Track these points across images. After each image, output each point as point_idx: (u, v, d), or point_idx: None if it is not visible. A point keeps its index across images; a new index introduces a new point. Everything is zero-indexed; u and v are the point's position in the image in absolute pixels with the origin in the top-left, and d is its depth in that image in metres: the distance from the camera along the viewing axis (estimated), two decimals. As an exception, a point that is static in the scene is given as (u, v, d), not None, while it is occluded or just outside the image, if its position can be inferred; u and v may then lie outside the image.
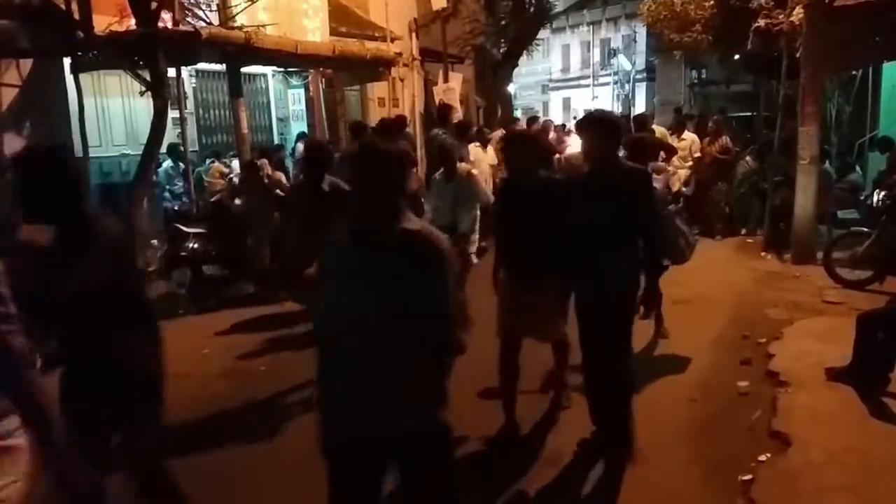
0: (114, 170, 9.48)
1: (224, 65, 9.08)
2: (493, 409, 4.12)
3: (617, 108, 31.17)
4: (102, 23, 7.67)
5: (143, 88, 8.05)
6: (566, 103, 39.98)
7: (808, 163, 8.18)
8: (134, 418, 2.56)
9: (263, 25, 8.96)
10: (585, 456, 3.76)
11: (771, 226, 9.14)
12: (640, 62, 34.52)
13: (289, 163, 10.40)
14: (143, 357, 2.55)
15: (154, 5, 7.65)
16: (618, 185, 3.58)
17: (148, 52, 7.69)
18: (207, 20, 8.86)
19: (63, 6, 7.04)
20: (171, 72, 8.31)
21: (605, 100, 36.13)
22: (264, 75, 12.29)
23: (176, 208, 9.29)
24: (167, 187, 9.77)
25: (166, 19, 7.97)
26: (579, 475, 3.65)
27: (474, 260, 5.46)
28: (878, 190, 8.88)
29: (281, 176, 8.40)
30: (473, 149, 8.75)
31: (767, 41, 9.52)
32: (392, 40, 12.75)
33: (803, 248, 8.18)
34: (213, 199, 9.21)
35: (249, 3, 8.89)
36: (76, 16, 7.17)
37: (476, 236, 5.52)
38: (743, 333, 5.77)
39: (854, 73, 11.83)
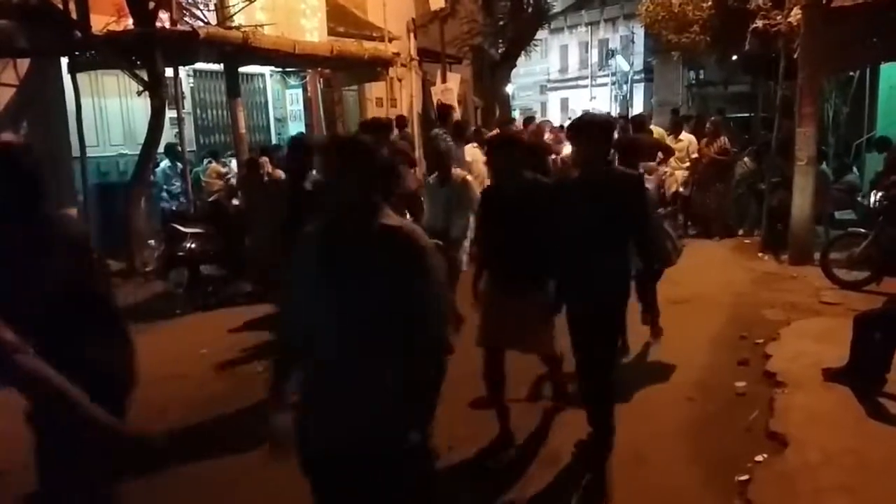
0: (111, 170, 9.47)
1: (222, 65, 9.07)
2: (485, 419, 4.05)
3: (615, 109, 31.21)
4: (100, 22, 7.67)
5: (141, 88, 8.05)
6: (564, 104, 40.01)
7: (805, 163, 8.19)
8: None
9: (261, 25, 8.96)
10: (583, 457, 3.76)
11: (768, 226, 9.16)
12: (639, 63, 34.57)
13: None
14: (107, 365, 2.36)
15: (151, 5, 7.65)
16: (609, 190, 3.47)
17: (145, 52, 7.69)
18: (205, 20, 8.86)
19: (60, 6, 7.03)
20: (169, 72, 8.31)
21: (603, 100, 36.20)
22: (262, 75, 12.28)
23: (173, 208, 9.28)
24: (165, 187, 9.76)
25: (164, 19, 7.97)
26: (577, 476, 3.64)
27: (464, 267, 5.29)
28: (875, 191, 8.90)
29: (281, 174, 8.39)
30: (471, 149, 8.74)
31: (765, 42, 9.54)
32: (390, 40, 12.75)
33: (800, 248, 8.19)
34: (210, 199, 9.21)
35: (247, 2, 8.90)
36: (74, 15, 7.16)
37: (468, 243, 5.34)
38: (740, 334, 5.77)
39: (851, 74, 11.85)
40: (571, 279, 3.62)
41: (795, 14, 8.37)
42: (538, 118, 16.78)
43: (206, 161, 10.39)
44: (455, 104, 13.37)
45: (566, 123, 18.21)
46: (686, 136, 10.53)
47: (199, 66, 9.91)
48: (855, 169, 11.42)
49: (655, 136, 10.00)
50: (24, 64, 7.65)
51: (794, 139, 8.30)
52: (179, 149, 9.22)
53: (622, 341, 5.20)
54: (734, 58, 14.64)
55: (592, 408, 3.70)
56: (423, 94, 15.21)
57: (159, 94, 7.95)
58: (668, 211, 6.04)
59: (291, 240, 2.39)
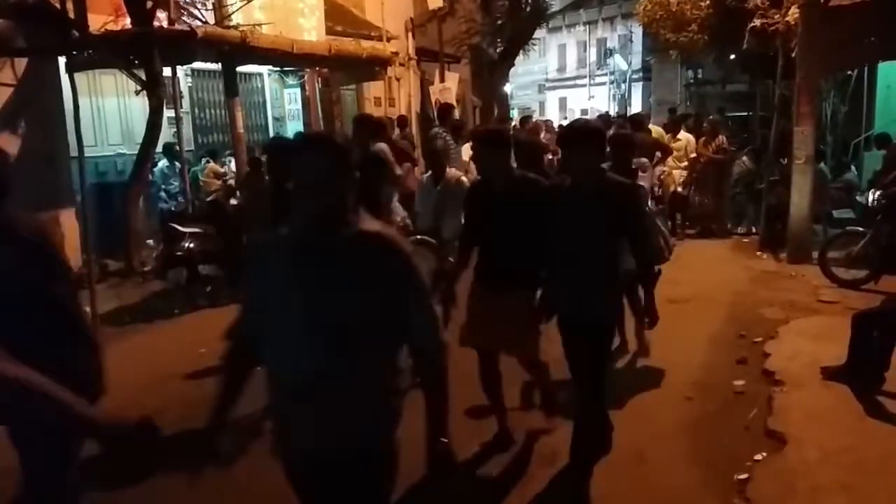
0: (109, 169, 9.45)
1: (220, 64, 9.06)
2: (480, 427, 4.02)
3: (613, 108, 31.22)
4: (98, 22, 7.65)
5: (139, 88, 8.04)
6: (562, 103, 40.03)
7: (803, 162, 8.21)
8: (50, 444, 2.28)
9: (259, 24, 8.95)
10: (573, 459, 3.73)
11: (767, 225, 9.18)
12: (637, 62, 34.59)
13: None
14: (70, 373, 2.09)
15: (149, 4, 7.64)
16: (602, 200, 3.34)
17: (143, 52, 7.68)
18: (203, 19, 8.86)
19: (58, 5, 7.00)
20: (167, 71, 8.30)
21: (601, 99, 36.23)
22: (260, 75, 12.27)
23: (172, 208, 9.28)
24: (163, 187, 9.75)
25: (162, 18, 7.96)
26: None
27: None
28: (873, 189, 8.91)
29: None
30: (468, 148, 8.75)
31: (763, 41, 9.53)
32: (388, 40, 12.75)
33: (799, 247, 8.20)
34: (209, 199, 9.20)
35: (245, 2, 8.89)
36: (71, 15, 7.13)
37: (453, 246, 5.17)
38: (739, 332, 5.78)
39: (849, 72, 11.86)
40: (562, 288, 3.52)
41: (793, 13, 8.38)
42: (536, 117, 16.81)
43: (204, 160, 10.39)
44: (453, 103, 13.37)
45: (565, 122, 18.27)
46: (684, 136, 10.54)
47: (197, 65, 9.89)
48: (853, 167, 11.45)
49: (654, 135, 10.01)
50: (21, 63, 7.63)
51: (793, 138, 8.31)
52: (177, 148, 9.21)
53: (621, 340, 5.21)
54: (732, 57, 14.65)
55: (584, 410, 3.58)
56: (422, 93, 15.21)
57: (157, 93, 7.94)
58: (658, 209, 5.98)
59: None
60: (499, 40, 18.12)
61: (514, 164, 4.13)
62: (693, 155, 10.22)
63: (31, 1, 7.22)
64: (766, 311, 6.38)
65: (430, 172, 5.59)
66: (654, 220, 5.06)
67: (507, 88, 21.54)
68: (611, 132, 10.53)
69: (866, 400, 4.26)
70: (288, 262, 1.93)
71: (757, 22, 9.13)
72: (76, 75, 6.73)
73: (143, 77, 7.89)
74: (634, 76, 34.82)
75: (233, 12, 8.83)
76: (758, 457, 3.73)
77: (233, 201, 8.60)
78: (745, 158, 10.84)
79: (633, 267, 3.64)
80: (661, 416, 4.31)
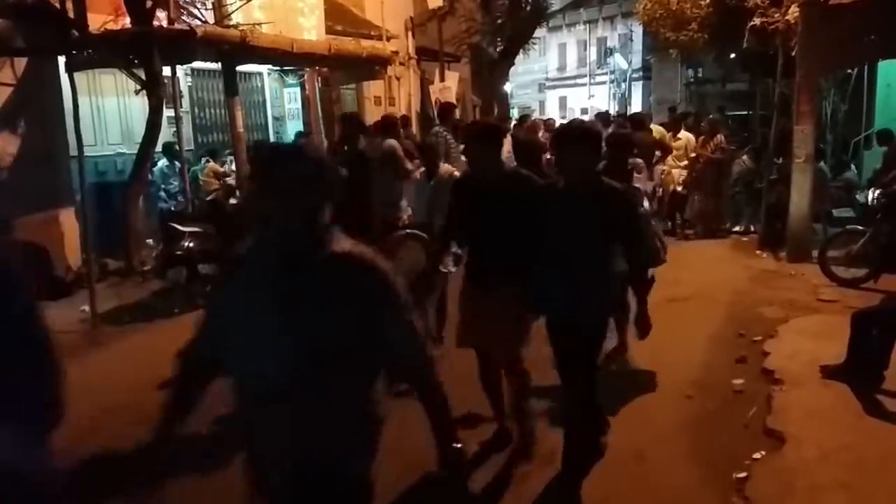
0: (109, 169, 9.45)
1: (219, 63, 9.05)
2: (470, 436, 3.84)
3: (613, 107, 31.20)
4: (97, 21, 7.65)
5: (139, 87, 8.03)
6: (563, 102, 40.02)
7: (803, 161, 8.20)
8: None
9: (259, 24, 8.94)
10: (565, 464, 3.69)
11: (766, 224, 9.17)
12: (637, 61, 34.57)
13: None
14: (26, 399, 1.95)
15: (149, 4, 7.64)
16: (596, 205, 3.27)
17: (143, 51, 7.67)
18: (203, 18, 8.86)
19: (57, 5, 7.01)
20: (167, 70, 8.30)
21: (601, 98, 36.21)
22: (260, 74, 12.27)
23: (172, 207, 9.28)
24: (163, 186, 9.75)
25: (161, 18, 7.96)
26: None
27: (451, 268, 4.98)
28: (873, 188, 8.90)
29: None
30: None
31: (763, 40, 9.53)
32: (388, 39, 12.75)
33: (798, 246, 8.20)
34: (208, 198, 9.20)
35: (245, 1, 8.88)
36: (71, 14, 7.14)
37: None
38: (738, 331, 5.78)
39: (849, 71, 11.85)
40: (552, 290, 3.41)
41: (793, 12, 8.38)
42: (536, 116, 16.80)
43: (204, 160, 10.39)
44: (454, 103, 13.37)
45: (565, 122, 18.28)
46: (685, 135, 10.54)
47: (197, 64, 9.89)
48: (853, 166, 11.44)
49: (656, 135, 10.01)
50: (20, 63, 7.63)
51: (792, 137, 8.31)
52: (177, 148, 9.21)
53: (620, 340, 5.20)
54: (732, 56, 14.64)
55: (575, 415, 3.53)
56: (422, 92, 15.21)
57: (157, 92, 7.93)
58: (653, 210, 5.93)
59: None
60: (499, 39, 18.14)
61: (514, 163, 4.10)
62: (693, 154, 10.21)
63: (30, 0, 7.22)
64: (765, 309, 6.38)
65: (422, 168, 5.57)
66: (650, 221, 5.02)
67: (508, 87, 21.55)
68: (610, 130, 10.57)
69: (865, 398, 4.26)
70: (257, 283, 1.80)
71: (757, 20, 9.13)
72: (76, 75, 6.74)
73: (143, 76, 7.89)
74: (634, 75, 34.80)
75: (232, 12, 8.83)
76: (757, 455, 3.73)
77: (232, 201, 8.61)
78: (745, 157, 10.84)
79: (625, 270, 3.56)
80: (661, 415, 4.31)
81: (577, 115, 26.33)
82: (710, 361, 5.19)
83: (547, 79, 41.77)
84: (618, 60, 35.13)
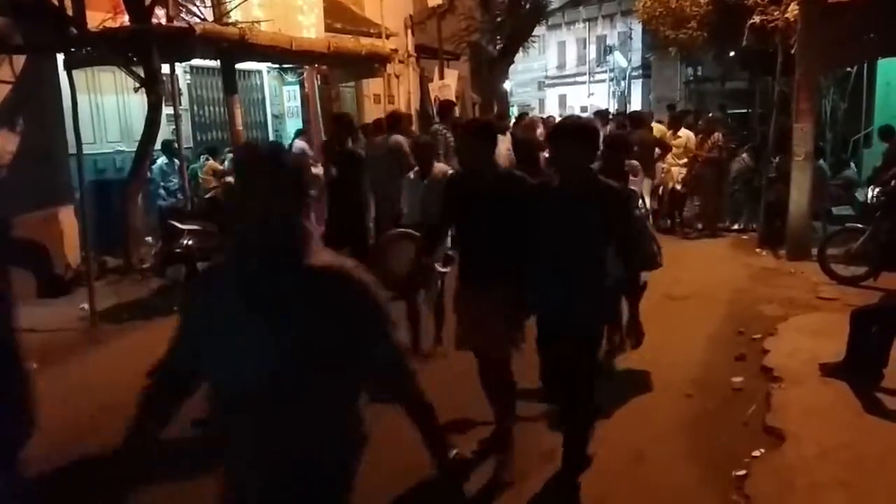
0: (108, 166, 9.44)
1: (219, 61, 9.04)
2: (483, 415, 3.89)
3: (613, 105, 31.20)
4: (96, 19, 7.63)
5: (138, 85, 8.02)
6: (562, 100, 40.03)
7: (802, 159, 8.20)
8: None
9: (258, 22, 8.93)
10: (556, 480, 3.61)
11: (766, 222, 9.18)
12: (636, 59, 34.57)
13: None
14: None
15: (148, 1, 7.62)
16: (592, 204, 3.17)
17: (142, 49, 7.66)
18: (202, 16, 8.83)
19: (56, 2, 7.00)
20: (166, 68, 8.29)
21: (601, 97, 36.22)
22: (259, 72, 12.24)
23: (171, 205, 9.27)
24: (162, 184, 9.74)
25: (160, 15, 7.94)
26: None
27: (442, 269, 4.82)
28: (872, 186, 8.91)
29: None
30: None
31: (762, 38, 9.53)
32: (387, 37, 12.73)
33: (798, 244, 8.20)
34: (208, 196, 9.20)
35: (244, -1, 8.87)
36: (69, 12, 7.13)
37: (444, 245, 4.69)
38: (738, 329, 5.78)
39: (849, 69, 11.85)
40: (545, 293, 3.30)
41: (793, 10, 8.38)
42: (535, 114, 16.79)
43: (203, 158, 10.38)
44: (454, 100, 13.37)
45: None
46: (685, 133, 10.54)
47: (196, 62, 9.87)
48: (852, 164, 11.45)
49: (656, 133, 10.01)
50: (19, 60, 7.61)
51: (792, 135, 8.30)
52: (176, 145, 9.19)
53: (619, 338, 5.19)
54: (732, 54, 14.64)
55: (569, 431, 3.41)
56: (421, 90, 15.19)
57: (156, 90, 7.92)
58: (646, 212, 5.85)
59: None
60: (498, 37, 18.12)
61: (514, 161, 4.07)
62: (692, 153, 10.21)
63: (28, -2, 7.21)
64: (765, 307, 6.38)
65: (416, 167, 5.46)
66: (646, 224, 4.99)
67: (507, 85, 21.52)
68: (608, 129, 10.57)
69: (865, 396, 4.26)
70: (232, 297, 1.69)
71: (756, 18, 9.13)
72: (75, 72, 6.72)
73: (142, 74, 7.88)
74: (634, 73, 34.80)
75: (231, 9, 8.82)
76: (756, 453, 3.73)
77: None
78: (744, 155, 10.84)
79: (617, 274, 3.44)
80: (660, 414, 4.31)
81: (577, 113, 26.28)
82: (709, 359, 5.20)
83: (546, 77, 41.76)
84: (617, 58, 35.12)
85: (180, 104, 9.36)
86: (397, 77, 14.05)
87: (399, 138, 7.08)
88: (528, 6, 18.13)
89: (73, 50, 7.10)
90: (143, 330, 6.42)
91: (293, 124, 12.66)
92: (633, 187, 4.99)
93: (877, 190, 8.47)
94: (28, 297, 7.39)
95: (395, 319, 1.83)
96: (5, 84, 7.49)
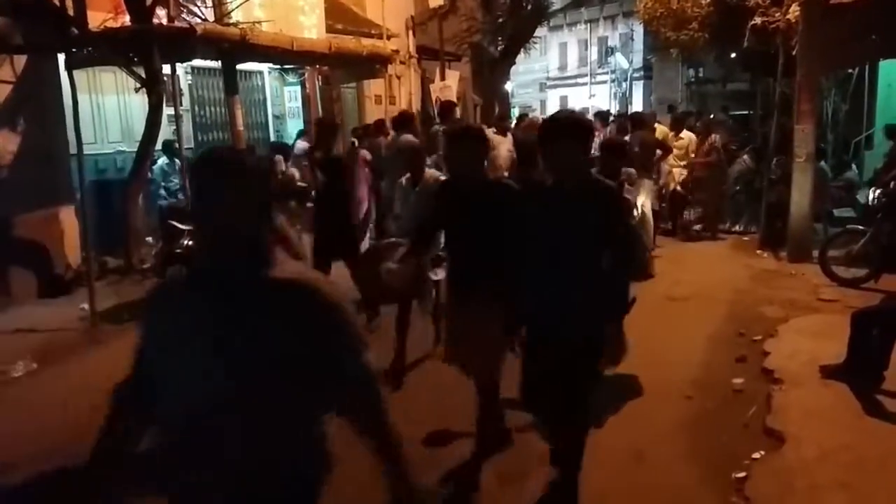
0: (109, 166, 9.44)
1: (220, 62, 9.04)
2: (440, 458, 3.74)
3: (614, 107, 31.19)
4: (97, 19, 7.63)
5: (138, 85, 8.02)
6: (563, 101, 39.94)
7: (803, 161, 8.19)
8: None
9: (259, 22, 8.92)
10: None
11: (767, 224, 9.17)
12: (638, 60, 34.56)
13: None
14: None
15: (149, 1, 7.62)
16: (588, 198, 3.01)
17: (143, 49, 7.65)
18: (203, 16, 8.83)
19: (57, 2, 7.00)
20: (167, 68, 8.29)
21: (602, 98, 36.20)
22: (260, 72, 12.25)
23: (171, 205, 9.27)
24: (162, 184, 9.74)
25: (161, 15, 7.94)
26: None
27: (437, 276, 4.62)
28: (873, 188, 8.90)
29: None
30: (491, 134, 8.97)
31: (764, 39, 9.52)
32: (389, 38, 12.73)
33: (799, 245, 8.19)
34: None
35: (245, -1, 8.86)
36: (70, 12, 7.13)
37: (439, 251, 4.43)
38: (738, 331, 5.78)
39: (850, 71, 11.84)
40: (540, 301, 3.11)
41: (794, 11, 8.37)
42: (537, 116, 16.74)
43: (203, 158, 10.38)
44: (455, 101, 13.37)
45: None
46: (686, 135, 10.52)
47: (197, 63, 9.88)
48: (854, 166, 11.44)
49: (659, 134, 10.00)
50: (20, 60, 7.62)
51: (793, 136, 8.30)
52: (177, 146, 9.19)
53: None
54: (733, 55, 14.63)
55: (565, 443, 3.29)
56: (422, 91, 15.20)
57: (157, 90, 7.92)
58: (640, 215, 5.76)
59: None
60: (500, 38, 18.12)
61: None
62: (693, 155, 10.20)
63: (29, -2, 7.21)
64: (765, 309, 6.37)
65: (407, 174, 5.22)
66: (640, 234, 4.94)
67: (508, 87, 21.54)
68: (609, 131, 10.56)
69: (865, 398, 4.25)
70: (189, 308, 1.59)
71: (758, 20, 9.13)
72: (75, 72, 6.72)
73: (143, 74, 7.88)
74: (635, 75, 34.78)
75: (232, 10, 8.81)
76: (756, 455, 3.72)
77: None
78: (745, 157, 10.83)
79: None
80: (660, 415, 4.30)
81: (590, 121, 26.21)
82: (709, 361, 5.19)
83: (548, 78, 41.76)
84: (619, 60, 35.11)
85: (181, 104, 9.35)
86: (398, 78, 14.05)
87: (409, 138, 7.10)
88: (529, 7, 18.14)
89: (73, 50, 7.10)
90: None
91: (294, 125, 12.67)
92: (627, 196, 4.91)
93: (878, 191, 8.46)
94: (28, 296, 7.40)
95: (364, 336, 1.72)
96: (6, 84, 7.49)
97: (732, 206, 10.67)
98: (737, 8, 9.96)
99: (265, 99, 12.62)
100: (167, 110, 8.68)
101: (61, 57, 7.34)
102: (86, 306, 6.69)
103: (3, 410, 4.76)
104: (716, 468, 3.65)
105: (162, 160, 9.70)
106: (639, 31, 30.61)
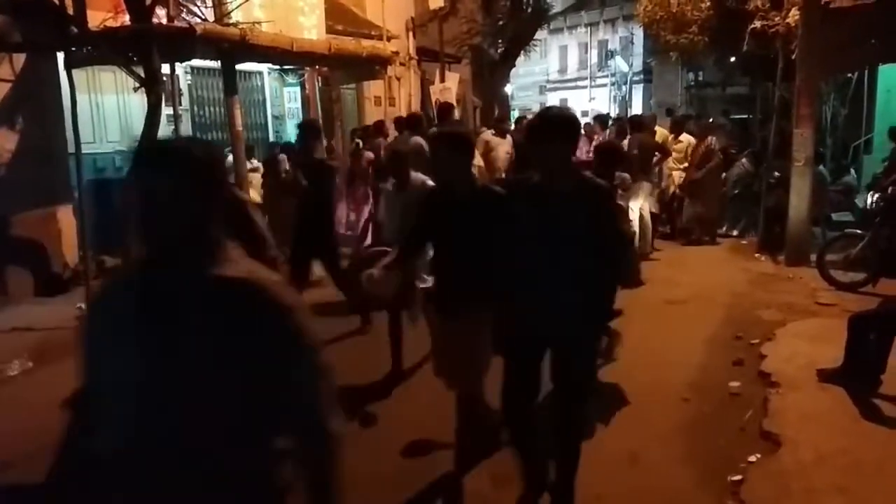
0: (107, 166, 9.43)
1: (219, 62, 9.04)
2: (421, 470, 3.70)
3: (614, 110, 31.22)
4: (96, 18, 7.62)
5: (137, 85, 8.01)
6: (563, 104, 40.00)
7: (802, 165, 8.20)
8: None
9: (259, 22, 8.92)
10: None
11: (765, 227, 9.17)
12: (638, 64, 34.59)
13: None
14: None
15: (148, 1, 7.61)
16: (579, 199, 2.91)
17: (142, 48, 7.64)
18: (202, 16, 8.83)
19: (56, 1, 7.00)
20: (166, 68, 8.28)
21: (602, 101, 36.23)
22: (260, 73, 12.25)
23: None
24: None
25: (161, 15, 7.93)
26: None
27: (424, 286, 4.39)
28: (872, 192, 8.90)
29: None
30: (489, 136, 9.12)
31: (763, 43, 9.54)
32: (389, 39, 12.73)
33: (797, 249, 8.19)
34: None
35: (245, -1, 8.86)
36: (70, 11, 7.12)
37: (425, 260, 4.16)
38: (736, 334, 5.77)
39: (850, 75, 11.86)
40: (530, 308, 2.98)
41: (794, 15, 8.38)
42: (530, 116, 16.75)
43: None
44: (454, 103, 13.37)
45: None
46: (686, 138, 10.51)
47: (197, 63, 9.88)
48: (852, 170, 11.45)
49: (659, 137, 9.99)
50: (19, 59, 7.62)
51: (792, 140, 8.30)
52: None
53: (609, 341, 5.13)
54: (732, 59, 14.66)
55: (562, 450, 3.19)
56: (422, 93, 15.20)
57: (156, 90, 7.89)
58: (636, 222, 5.71)
59: None
60: (500, 41, 18.15)
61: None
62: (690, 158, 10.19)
63: (28, -4, 7.20)
64: (763, 312, 6.37)
65: (392, 179, 5.02)
66: (632, 240, 4.91)
67: (508, 89, 21.56)
68: (608, 134, 10.55)
69: (862, 402, 4.24)
70: (130, 310, 1.47)
71: (757, 24, 9.15)
72: (75, 72, 6.72)
73: (142, 74, 7.87)
74: (635, 78, 34.82)
75: (232, 10, 8.80)
76: (752, 458, 3.72)
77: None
78: (744, 160, 10.83)
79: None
80: (657, 417, 4.30)
81: (578, 117, 26.25)
82: (707, 364, 5.18)
83: (548, 81, 41.78)
84: (619, 63, 35.15)
85: (180, 104, 9.37)
86: (398, 79, 14.05)
87: (419, 140, 7.11)
88: (529, 10, 18.17)
89: (73, 49, 7.10)
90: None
91: (293, 126, 12.66)
92: (620, 202, 4.87)
93: (876, 196, 8.47)
94: (26, 295, 7.39)
95: (321, 343, 1.55)
96: (5, 82, 7.49)
97: (731, 209, 10.67)
98: (737, 12, 9.98)
99: (265, 99, 12.62)
100: (166, 110, 8.66)
101: (60, 56, 7.35)
102: (83, 305, 6.68)
103: (5, 411, 4.75)
104: (712, 471, 3.64)
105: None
106: (639, 34, 30.63)
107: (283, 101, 13.01)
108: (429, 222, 3.45)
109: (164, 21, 7.90)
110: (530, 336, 3.04)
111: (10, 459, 3.79)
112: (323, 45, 10.17)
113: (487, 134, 9.56)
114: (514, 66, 19.82)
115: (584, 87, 39.38)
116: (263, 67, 11.97)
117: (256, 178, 9.95)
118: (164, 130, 9.05)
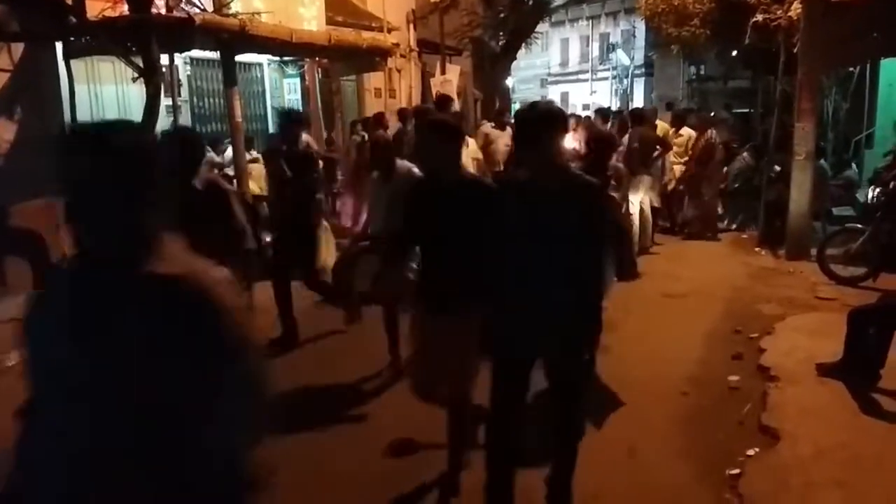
0: (106, 157, 9.43)
1: (218, 53, 9.01)
2: (404, 470, 3.64)
3: (615, 103, 31.16)
4: (95, 8, 7.59)
5: (136, 75, 7.98)
6: (564, 98, 39.88)
7: (803, 159, 8.17)
8: None
9: (258, 13, 8.89)
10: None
11: (766, 221, 9.15)
12: (639, 57, 34.52)
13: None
14: None
15: (147, -9, 7.58)
16: (569, 195, 2.81)
17: (141, 39, 7.61)
18: (201, 7, 8.79)
19: (55, -9, 6.97)
20: (165, 59, 8.25)
21: (603, 94, 36.19)
22: (259, 64, 12.20)
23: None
24: (160, 175, 9.73)
25: (160, 5, 7.90)
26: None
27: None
28: (873, 186, 8.88)
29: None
30: (488, 128, 9.13)
31: (765, 36, 9.49)
32: (389, 31, 12.69)
33: (797, 244, 8.18)
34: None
35: (244, -10, 8.83)
36: (68, 0, 7.09)
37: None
38: (735, 328, 5.77)
39: (851, 69, 11.82)
40: (521, 312, 2.87)
41: (796, 8, 8.34)
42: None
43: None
44: (454, 96, 13.32)
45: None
46: (686, 132, 10.48)
47: (196, 53, 9.83)
48: (853, 165, 11.41)
49: (659, 131, 9.96)
50: (18, 49, 7.59)
51: (793, 134, 8.28)
52: (175, 137, 9.17)
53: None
54: (734, 53, 14.60)
55: (558, 455, 3.14)
56: (422, 85, 15.17)
57: (155, 81, 7.86)
58: (636, 215, 5.64)
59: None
60: (501, 33, 18.07)
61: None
62: (691, 152, 10.17)
63: (26, -14, 7.17)
64: (763, 307, 6.36)
65: (376, 170, 4.85)
66: (629, 231, 4.88)
67: (509, 82, 21.50)
68: (610, 126, 10.50)
69: (861, 396, 4.24)
70: (62, 309, 1.40)
71: (759, 17, 9.10)
72: (73, 62, 6.70)
73: (141, 64, 7.84)
74: (637, 72, 34.75)
75: (232, 0, 8.77)
76: (751, 452, 3.72)
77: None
78: (745, 154, 10.81)
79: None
80: (655, 411, 4.29)
81: (579, 110, 26.26)
82: (706, 357, 5.18)
83: (549, 74, 41.69)
84: (620, 56, 35.07)
85: (179, 95, 9.33)
86: (399, 71, 14.01)
87: None
88: (531, 2, 18.09)
89: (72, 39, 7.07)
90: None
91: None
92: (612, 193, 4.76)
93: (877, 190, 8.44)
94: (24, 286, 7.37)
95: (256, 348, 1.48)
96: (4, 72, 7.47)
97: (731, 203, 10.65)
98: (738, 5, 9.92)
99: (264, 91, 12.57)
100: (165, 101, 8.64)
101: (59, 46, 7.32)
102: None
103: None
104: (710, 465, 3.64)
105: (160, 151, 9.68)
106: (640, 27, 30.54)
107: (283, 93, 12.96)
108: (416, 211, 3.33)
109: (163, 11, 7.87)
110: (521, 336, 2.93)
111: (6, 449, 3.78)
112: (323, 37, 10.13)
113: (487, 126, 9.54)
114: (516, 58, 19.75)
115: (586, 80, 39.31)
116: (263, 58, 11.92)
117: (256, 169, 9.92)
118: (164, 121, 9.04)
